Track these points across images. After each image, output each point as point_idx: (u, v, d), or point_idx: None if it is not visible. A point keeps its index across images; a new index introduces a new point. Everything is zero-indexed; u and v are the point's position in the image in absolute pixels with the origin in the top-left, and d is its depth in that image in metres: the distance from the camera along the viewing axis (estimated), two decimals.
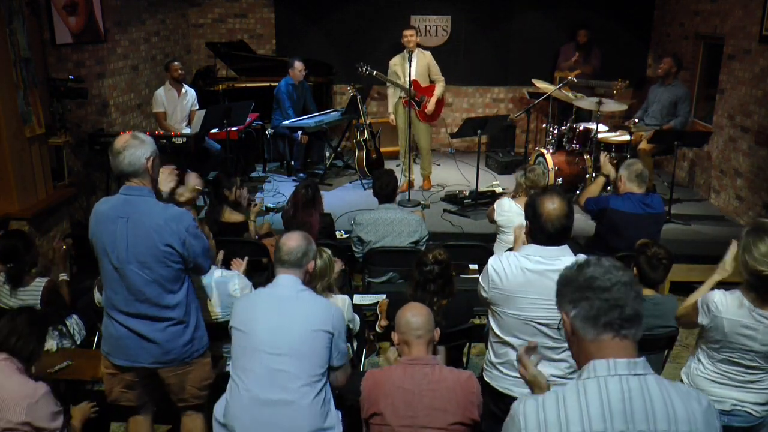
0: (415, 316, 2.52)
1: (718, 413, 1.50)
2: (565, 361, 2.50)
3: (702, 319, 2.56)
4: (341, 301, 3.33)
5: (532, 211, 2.49)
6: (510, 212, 4.45)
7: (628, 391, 1.42)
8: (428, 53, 6.83)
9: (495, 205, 4.56)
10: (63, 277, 3.82)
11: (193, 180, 3.77)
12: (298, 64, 7.06)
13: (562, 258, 2.45)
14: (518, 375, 2.51)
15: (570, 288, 1.54)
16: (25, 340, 2.68)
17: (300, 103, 7.24)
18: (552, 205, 2.44)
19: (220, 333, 3.08)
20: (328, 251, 3.37)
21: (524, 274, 2.46)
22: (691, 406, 1.44)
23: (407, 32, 6.57)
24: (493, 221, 4.59)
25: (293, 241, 2.70)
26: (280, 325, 2.53)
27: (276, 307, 2.58)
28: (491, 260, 2.56)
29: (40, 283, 3.56)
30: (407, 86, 6.49)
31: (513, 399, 2.51)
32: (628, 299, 1.48)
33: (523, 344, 2.49)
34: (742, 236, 2.51)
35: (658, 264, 3.19)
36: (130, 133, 2.70)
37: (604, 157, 4.65)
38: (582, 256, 1.59)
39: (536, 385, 1.92)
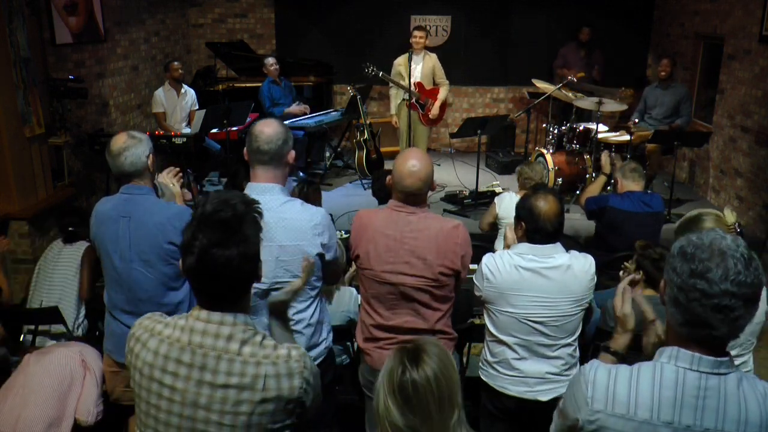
0: (410, 177, 2.40)
1: None
2: (561, 358, 2.51)
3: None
4: (348, 293, 3.34)
5: (527, 212, 2.50)
6: (511, 203, 4.49)
7: (704, 389, 1.38)
8: (434, 56, 6.82)
9: (495, 200, 4.62)
10: None
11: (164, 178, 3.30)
12: (268, 60, 7.02)
13: (555, 255, 2.48)
14: (514, 374, 2.54)
15: (679, 267, 1.40)
16: None
17: (286, 100, 7.16)
18: (547, 205, 2.46)
19: None
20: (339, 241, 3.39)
21: (518, 271, 2.47)
22: (767, 409, 1.40)
23: (417, 33, 6.53)
24: (494, 216, 4.62)
25: (269, 127, 2.37)
26: (268, 257, 2.27)
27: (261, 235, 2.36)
28: (485, 258, 2.57)
29: (82, 245, 3.84)
30: (411, 88, 6.49)
31: (509, 397, 2.56)
32: (726, 319, 1.35)
33: (519, 342, 2.52)
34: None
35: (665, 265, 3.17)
36: (125, 132, 2.67)
37: (605, 156, 4.65)
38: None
39: (623, 325, 1.81)
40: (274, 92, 7.05)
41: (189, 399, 1.48)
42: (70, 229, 3.94)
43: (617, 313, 1.80)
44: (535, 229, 2.47)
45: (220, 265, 1.45)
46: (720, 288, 1.34)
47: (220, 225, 1.46)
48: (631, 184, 4.15)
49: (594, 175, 6.28)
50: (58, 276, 3.77)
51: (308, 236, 2.35)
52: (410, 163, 2.41)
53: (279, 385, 1.49)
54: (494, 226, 4.66)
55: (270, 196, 2.36)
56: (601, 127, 6.63)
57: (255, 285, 2.30)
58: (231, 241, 1.45)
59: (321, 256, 2.40)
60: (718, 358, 1.40)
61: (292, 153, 2.44)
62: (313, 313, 2.45)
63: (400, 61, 6.75)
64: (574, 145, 6.64)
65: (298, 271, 2.34)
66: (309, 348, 2.45)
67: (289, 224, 2.34)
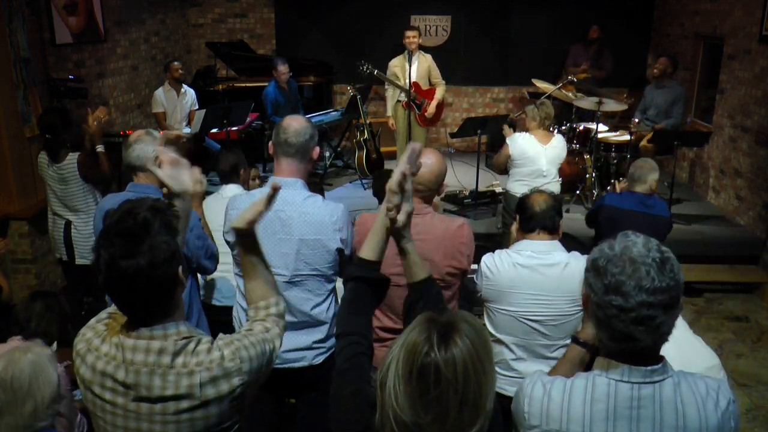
0: (423, 170, 2.37)
1: (736, 412, 1.42)
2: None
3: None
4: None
5: (521, 202, 2.60)
6: (524, 143, 4.73)
7: (638, 399, 1.37)
8: (429, 56, 6.81)
9: (508, 141, 4.82)
10: (100, 149, 4.15)
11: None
12: (281, 67, 6.80)
13: (553, 253, 2.50)
14: (513, 374, 2.55)
15: (593, 283, 1.39)
16: (42, 323, 2.75)
17: (291, 105, 7.05)
18: (538, 196, 2.56)
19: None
20: None
21: (516, 269, 2.49)
22: (706, 411, 1.37)
23: (409, 33, 6.53)
24: (507, 156, 4.82)
25: (297, 122, 2.46)
26: (289, 250, 2.39)
27: (282, 228, 2.39)
28: (485, 257, 2.61)
29: (72, 157, 4.08)
30: (407, 88, 6.47)
31: (507, 398, 2.54)
32: (648, 330, 1.33)
33: (517, 342, 2.53)
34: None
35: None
36: (146, 129, 2.83)
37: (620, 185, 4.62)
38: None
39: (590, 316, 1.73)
40: (279, 98, 6.97)
41: (131, 412, 1.48)
42: (47, 136, 4.08)
43: (583, 304, 1.78)
44: (525, 216, 2.54)
45: (129, 276, 1.39)
46: (636, 300, 1.32)
47: (123, 235, 1.41)
48: (635, 186, 4.11)
49: (594, 174, 6.29)
50: (68, 196, 4.14)
51: (329, 231, 2.41)
52: (426, 158, 2.46)
53: (217, 388, 1.48)
54: (505, 168, 4.94)
55: (293, 191, 2.42)
56: (601, 127, 6.63)
57: (275, 278, 2.38)
58: (137, 250, 1.39)
59: (340, 251, 2.45)
60: (649, 367, 1.38)
61: (317, 150, 2.50)
62: (328, 308, 2.51)
63: (395, 63, 6.74)
64: (574, 145, 6.63)
65: (318, 264, 2.42)
66: (322, 340, 2.49)
67: (311, 219, 2.40)
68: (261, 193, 2.49)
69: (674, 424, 1.36)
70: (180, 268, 1.48)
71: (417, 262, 1.72)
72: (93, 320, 1.60)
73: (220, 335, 1.58)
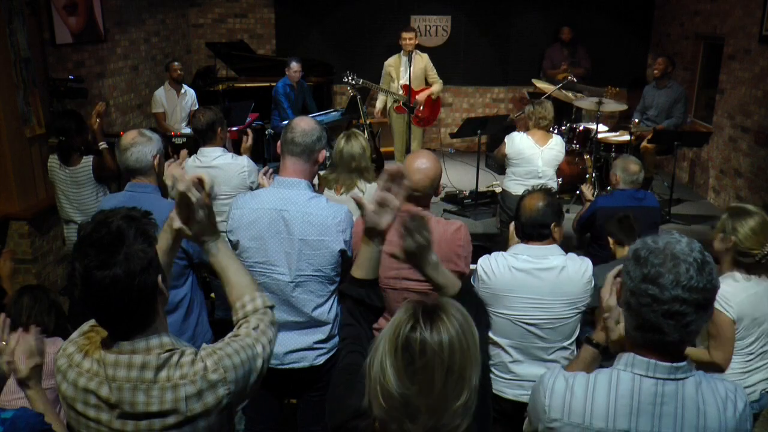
0: (418, 174, 2.43)
1: (750, 414, 1.44)
2: (557, 362, 2.52)
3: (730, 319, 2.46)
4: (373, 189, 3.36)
5: (516, 206, 2.59)
6: (521, 143, 4.73)
7: (661, 396, 1.37)
8: (425, 55, 6.78)
9: (506, 139, 4.83)
10: (103, 146, 4.18)
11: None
12: (294, 65, 6.88)
13: (550, 257, 2.49)
14: (510, 377, 2.55)
15: (632, 271, 1.40)
16: (33, 315, 2.74)
17: (298, 103, 7.17)
18: (531, 200, 2.52)
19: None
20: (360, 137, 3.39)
21: (512, 272, 2.48)
22: (726, 413, 1.38)
23: (406, 35, 6.48)
24: (504, 155, 4.85)
25: (306, 123, 2.47)
26: (291, 250, 2.39)
27: (285, 228, 2.40)
28: (481, 260, 2.60)
29: (87, 160, 4.12)
30: (400, 92, 6.44)
31: (506, 401, 2.55)
32: (677, 325, 1.35)
33: (514, 345, 2.52)
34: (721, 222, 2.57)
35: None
36: (138, 130, 2.77)
37: (586, 188, 4.73)
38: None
39: (607, 317, 1.67)
40: (290, 94, 6.98)
41: (116, 430, 1.44)
42: (60, 138, 4.07)
43: (602, 304, 1.72)
44: (518, 220, 2.54)
45: (107, 287, 1.35)
46: (671, 294, 1.33)
47: (97, 246, 1.36)
48: (634, 184, 4.13)
49: (594, 174, 6.29)
50: (81, 200, 4.16)
51: (332, 232, 2.41)
52: (420, 161, 2.47)
53: (203, 401, 1.44)
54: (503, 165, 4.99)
55: (297, 191, 2.43)
56: (601, 127, 6.63)
57: (278, 278, 2.39)
58: (112, 260, 1.34)
59: (343, 252, 2.45)
60: (674, 364, 1.39)
61: (323, 152, 2.50)
62: (330, 308, 2.50)
63: (390, 62, 6.71)
64: (574, 145, 6.63)
65: (321, 265, 2.42)
66: (324, 341, 2.50)
67: (314, 220, 2.40)
68: (266, 192, 2.50)
69: (695, 424, 1.37)
70: (159, 277, 1.44)
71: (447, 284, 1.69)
72: (75, 333, 1.55)
73: (204, 345, 1.53)
